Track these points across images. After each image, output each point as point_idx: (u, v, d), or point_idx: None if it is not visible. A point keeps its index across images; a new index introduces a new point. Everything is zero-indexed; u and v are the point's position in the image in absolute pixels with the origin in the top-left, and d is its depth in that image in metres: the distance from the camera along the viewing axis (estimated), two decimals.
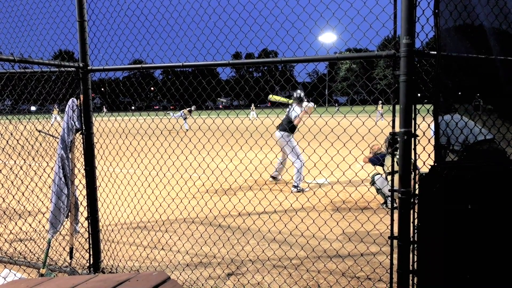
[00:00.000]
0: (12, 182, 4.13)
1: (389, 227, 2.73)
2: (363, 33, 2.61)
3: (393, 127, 2.68)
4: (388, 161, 6.18)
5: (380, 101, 29.71)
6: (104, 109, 35.17)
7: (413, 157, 2.57)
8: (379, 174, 6.41)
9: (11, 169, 4.29)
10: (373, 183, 6.43)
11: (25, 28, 4.34)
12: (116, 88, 4.42)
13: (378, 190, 6.30)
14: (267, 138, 4.18)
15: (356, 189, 4.50)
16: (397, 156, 2.64)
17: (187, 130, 21.63)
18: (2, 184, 4.05)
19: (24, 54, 4.40)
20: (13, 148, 3.90)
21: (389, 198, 6.25)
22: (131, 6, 3.71)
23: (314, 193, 4.88)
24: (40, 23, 4.21)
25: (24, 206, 4.33)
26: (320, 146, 3.74)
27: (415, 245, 2.61)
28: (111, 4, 3.81)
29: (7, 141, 3.89)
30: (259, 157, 4.76)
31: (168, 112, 26.05)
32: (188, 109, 26.47)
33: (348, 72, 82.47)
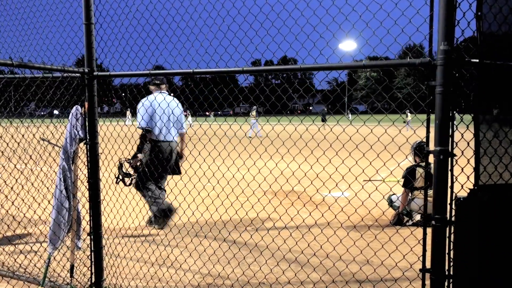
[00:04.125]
0: (11, 188, 3.92)
1: (413, 249, 2.42)
2: (393, 39, 2.32)
3: (427, 144, 2.38)
4: (418, 175, 5.84)
5: (408, 110, 28.38)
6: (128, 115, 34.45)
7: (449, 179, 2.26)
8: (394, 194, 6.09)
9: (10, 174, 4.08)
10: (391, 203, 6.11)
11: (34, 33, 4.19)
12: (138, 94, 4.22)
13: (396, 209, 5.97)
14: (290, 146, 3.89)
15: (376, 205, 4.17)
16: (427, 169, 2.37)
17: (251, 137, 20.99)
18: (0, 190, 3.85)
19: (37, 60, 4.24)
20: (14, 151, 3.71)
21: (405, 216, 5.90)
22: (149, 7, 3.48)
23: (329, 207, 4.55)
24: (53, 28, 4.05)
25: (24, 214, 4.12)
26: (336, 156, 3.43)
27: (451, 280, 2.29)
28: (127, 5, 3.59)
29: (7, 144, 3.70)
30: (280, 167, 4.45)
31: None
32: (254, 111, 25.82)
33: (368, 81, 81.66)
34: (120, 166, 4.78)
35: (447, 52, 2.17)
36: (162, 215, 5.26)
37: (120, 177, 4.82)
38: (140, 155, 4.97)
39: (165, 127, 5.24)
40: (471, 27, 2.20)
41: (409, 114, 29.81)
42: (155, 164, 5.09)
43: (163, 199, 5.39)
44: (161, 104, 5.15)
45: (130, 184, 4.98)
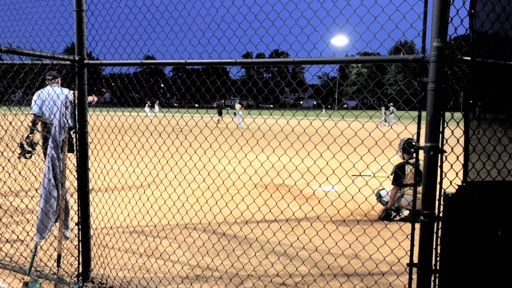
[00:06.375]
0: None
1: (401, 244, 2.44)
2: (387, 34, 2.32)
3: (418, 140, 2.40)
4: (407, 171, 5.87)
5: (383, 107, 27.20)
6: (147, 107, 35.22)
7: (439, 175, 2.28)
8: (384, 189, 6.13)
9: None
10: (379, 198, 6.14)
11: (24, 19, 4.11)
12: (130, 84, 4.16)
13: (384, 204, 6.01)
14: (281, 139, 3.88)
15: (366, 200, 4.20)
16: (417, 166, 2.40)
17: (243, 128, 21.25)
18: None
19: (26, 46, 4.16)
20: (0, 138, 3.65)
21: (394, 212, 5.95)
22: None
23: (319, 201, 4.57)
24: (43, 14, 3.97)
25: (10, 202, 4.07)
26: (327, 150, 3.43)
27: (437, 275, 2.32)
28: None
29: None
30: (271, 160, 4.44)
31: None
32: (238, 105, 26.81)
33: (359, 76, 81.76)
34: (21, 145, 5.72)
35: (440, 49, 2.18)
36: None
37: (22, 153, 5.75)
38: (31, 135, 5.93)
39: (52, 113, 6.22)
40: (464, 24, 2.21)
41: (386, 109, 27.99)
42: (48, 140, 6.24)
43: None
44: (50, 94, 6.17)
45: (30, 157, 5.86)
